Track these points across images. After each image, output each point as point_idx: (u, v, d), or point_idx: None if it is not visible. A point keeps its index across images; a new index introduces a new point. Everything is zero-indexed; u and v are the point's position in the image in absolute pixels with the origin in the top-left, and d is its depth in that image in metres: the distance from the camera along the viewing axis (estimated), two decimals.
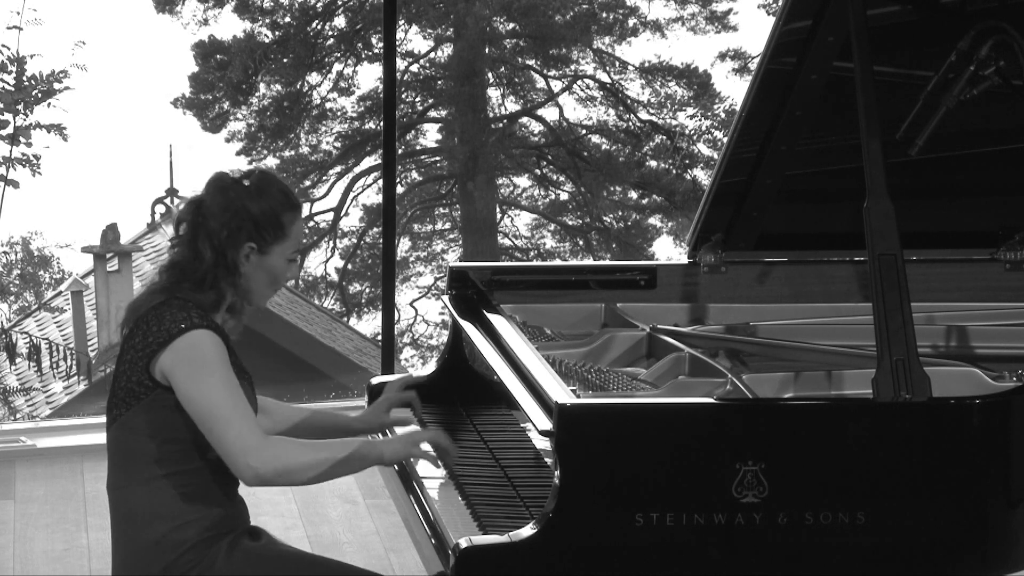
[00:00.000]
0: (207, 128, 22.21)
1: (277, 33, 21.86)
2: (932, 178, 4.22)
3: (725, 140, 6.25)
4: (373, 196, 22.71)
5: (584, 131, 22.80)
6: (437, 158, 23.24)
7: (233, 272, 3.25)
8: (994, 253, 4.36)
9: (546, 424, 3.08)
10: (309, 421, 3.61)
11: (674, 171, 22.12)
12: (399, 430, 3.64)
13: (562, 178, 23.06)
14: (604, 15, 22.10)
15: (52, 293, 20.56)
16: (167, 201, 19.16)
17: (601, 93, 22.64)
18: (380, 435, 3.86)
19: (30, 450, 6.16)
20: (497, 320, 3.80)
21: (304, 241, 3.36)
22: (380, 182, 21.77)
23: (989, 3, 3.86)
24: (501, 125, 22.36)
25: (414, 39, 22.10)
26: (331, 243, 22.72)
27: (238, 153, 22.31)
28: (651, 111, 22.53)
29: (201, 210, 3.26)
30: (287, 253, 3.31)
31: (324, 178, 22.72)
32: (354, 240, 23.02)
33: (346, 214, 22.85)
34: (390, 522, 5.39)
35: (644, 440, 3.05)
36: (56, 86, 9.01)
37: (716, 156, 17.37)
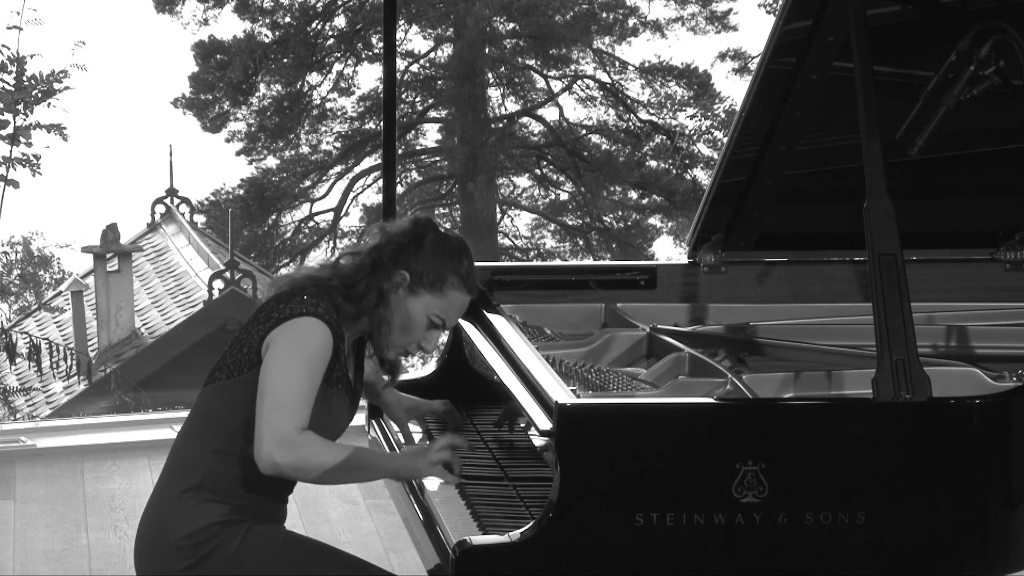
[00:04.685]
0: (207, 128, 22.23)
1: (277, 33, 21.88)
2: (932, 178, 4.22)
3: (725, 140, 6.24)
4: (373, 196, 22.74)
5: (584, 131, 22.81)
6: (437, 158, 23.26)
7: (381, 296, 3.26)
8: (994, 253, 4.36)
9: (546, 424, 3.08)
10: None
11: (674, 171, 22.13)
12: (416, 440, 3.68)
13: (562, 178, 23.07)
14: (604, 15, 22.12)
15: (52, 293, 20.57)
16: (167, 201, 19.18)
17: (601, 93, 22.66)
18: (391, 437, 3.87)
19: (30, 450, 6.16)
20: (497, 320, 3.80)
21: (451, 322, 3.33)
22: (380, 182, 21.75)
23: (989, 3, 3.86)
24: (501, 125, 22.36)
25: (414, 39, 22.14)
26: (331, 243, 22.73)
27: (238, 153, 22.35)
28: (651, 111, 22.55)
29: (390, 228, 3.32)
30: (432, 310, 3.29)
31: (324, 178, 22.75)
32: (354, 240, 23.01)
33: (346, 214, 22.90)
34: (390, 522, 5.39)
35: (644, 440, 3.04)
36: (56, 86, 9.03)
37: (716, 156, 17.36)
